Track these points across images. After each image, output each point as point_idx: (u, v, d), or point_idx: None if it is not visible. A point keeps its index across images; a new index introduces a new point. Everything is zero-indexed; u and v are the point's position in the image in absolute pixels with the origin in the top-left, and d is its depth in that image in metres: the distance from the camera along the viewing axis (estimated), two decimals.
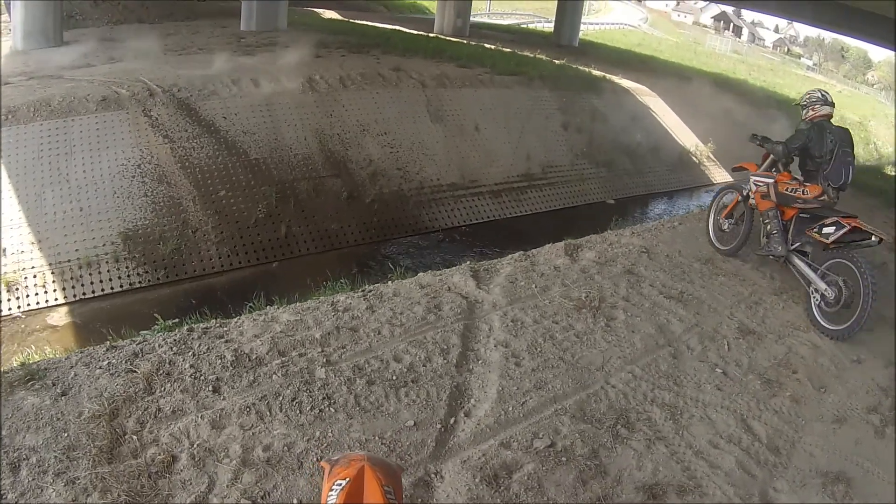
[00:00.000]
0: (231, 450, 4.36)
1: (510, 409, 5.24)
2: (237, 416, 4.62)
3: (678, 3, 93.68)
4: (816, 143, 7.67)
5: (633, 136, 20.69)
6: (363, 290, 6.89)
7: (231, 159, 12.55)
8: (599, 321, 6.86)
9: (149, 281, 10.53)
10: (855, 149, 7.88)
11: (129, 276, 10.44)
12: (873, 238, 7.20)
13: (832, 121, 7.97)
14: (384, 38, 22.43)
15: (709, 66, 40.20)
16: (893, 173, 23.55)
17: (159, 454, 4.24)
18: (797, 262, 7.73)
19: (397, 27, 26.43)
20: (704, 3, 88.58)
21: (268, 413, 4.70)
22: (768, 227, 8.02)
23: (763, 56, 76.97)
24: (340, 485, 2.40)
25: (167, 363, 5.09)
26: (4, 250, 9.93)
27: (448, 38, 26.00)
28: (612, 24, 60.40)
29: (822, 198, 7.65)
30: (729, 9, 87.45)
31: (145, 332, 6.03)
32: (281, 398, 4.85)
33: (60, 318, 9.65)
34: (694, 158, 22.32)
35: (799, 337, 7.37)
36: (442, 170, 15.41)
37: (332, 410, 4.83)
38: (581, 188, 18.01)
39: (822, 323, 7.30)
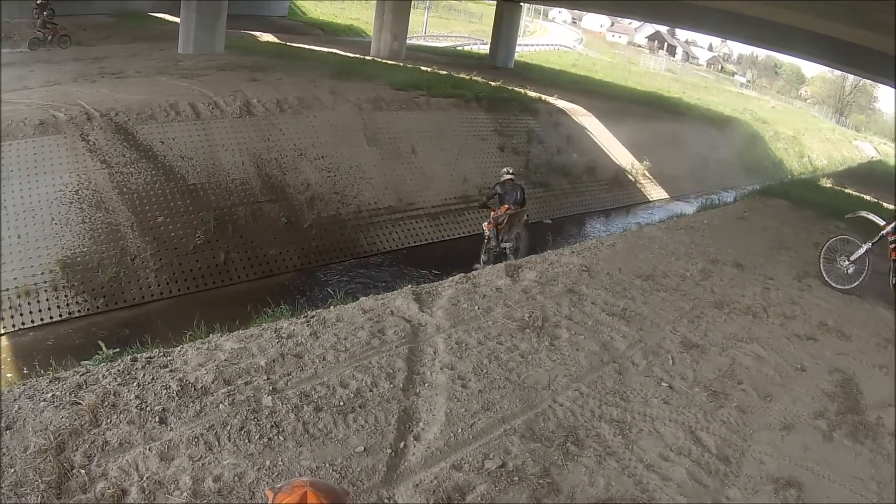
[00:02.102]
0: (181, 481, 4.35)
1: (459, 431, 5.30)
2: (185, 447, 4.62)
3: (612, 24, 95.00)
4: (501, 189, 12.81)
5: (569, 156, 21.03)
6: (306, 316, 6.93)
7: (169, 185, 12.43)
8: (543, 341, 7.01)
9: (88, 309, 10.36)
10: (525, 192, 13.17)
11: (68, 304, 10.26)
12: (525, 215, 13.06)
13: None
14: (321, 61, 22.45)
15: (643, 85, 40.95)
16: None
17: (108, 488, 4.22)
18: (503, 244, 12.83)
19: (334, 50, 26.45)
20: (639, 24, 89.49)
21: (216, 443, 4.70)
22: (489, 235, 12.93)
23: (697, 74, 78.71)
24: None
25: (112, 394, 5.07)
26: None
27: (384, 60, 26.10)
28: (548, 45, 61.08)
29: (508, 210, 12.69)
30: (663, 28, 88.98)
31: (87, 362, 5.94)
32: (229, 427, 4.86)
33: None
34: (630, 177, 22.76)
35: (742, 348, 7.62)
36: (379, 193, 15.50)
37: (281, 438, 4.85)
38: None
39: (512, 259, 11.75)
